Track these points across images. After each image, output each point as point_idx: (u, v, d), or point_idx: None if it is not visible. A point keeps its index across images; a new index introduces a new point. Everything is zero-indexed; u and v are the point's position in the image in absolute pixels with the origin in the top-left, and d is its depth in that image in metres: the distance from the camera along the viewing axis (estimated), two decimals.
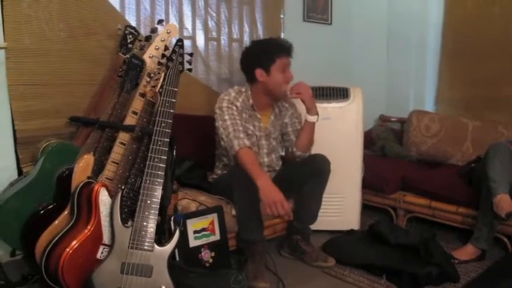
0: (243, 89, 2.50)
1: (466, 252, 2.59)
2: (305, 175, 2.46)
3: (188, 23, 3.04)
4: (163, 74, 2.13)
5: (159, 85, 2.14)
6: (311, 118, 2.48)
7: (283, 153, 2.70)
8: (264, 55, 2.41)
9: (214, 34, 3.18)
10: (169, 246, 1.84)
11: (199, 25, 3.10)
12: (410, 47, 3.87)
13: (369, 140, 3.55)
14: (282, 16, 3.49)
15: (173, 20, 2.92)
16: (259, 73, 2.41)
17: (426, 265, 2.28)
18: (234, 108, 2.39)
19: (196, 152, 2.68)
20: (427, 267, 2.26)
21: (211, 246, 2.19)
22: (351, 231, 2.83)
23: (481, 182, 2.55)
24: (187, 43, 2.99)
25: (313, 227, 2.65)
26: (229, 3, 3.22)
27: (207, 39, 3.16)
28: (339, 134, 2.81)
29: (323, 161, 2.47)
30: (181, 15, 2.99)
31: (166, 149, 1.92)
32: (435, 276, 2.26)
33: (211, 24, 3.15)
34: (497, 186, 2.40)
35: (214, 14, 3.16)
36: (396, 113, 3.77)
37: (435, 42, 3.74)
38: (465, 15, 3.54)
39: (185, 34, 3.01)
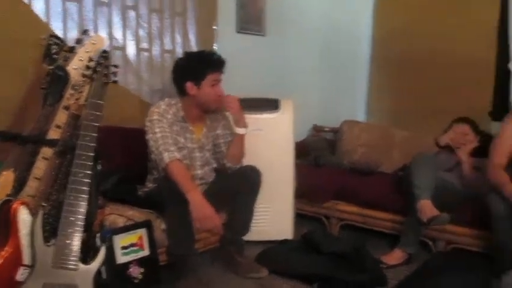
0: (174, 102, 2.47)
1: (394, 256, 2.68)
2: (236, 187, 2.47)
3: (118, 34, 2.97)
4: (87, 86, 2.07)
5: (83, 98, 2.08)
6: (239, 130, 2.49)
7: (215, 165, 2.68)
8: (195, 69, 2.40)
9: (145, 45, 3.13)
10: (95, 264, 1.78)
11: (129, 36, 3.04)
12: (343, 58, 3.98)
13: (303, 149, 3.60)
14: (215, 27, 3.49)
15: (102, 30, 2.85)
16: (189, 86, 2.39)
17: (356, 272, 2.34)
18: (164, 120, 2.36)
19: (128, 165, 2.61)
20: (357, 274, 2.32)
21: (140, 262, 2.12)
22: (285, 241, 2.84)
23: (407, 189, 2.65)
24: (117, 54, 2.93)
25: (246, 238, 2.63)
26: (161, 14, 3.18)
27: (139, 50, 3.10)
28: (270, 145, 2.84)
29: (254, 172, 2.48)
30: (111, 25, 2.93)
31: (91, 163, 1.86)
32: (365, 282, 2.32)
33: (142, 35, 3.10)
34: (421, 193, 2.51)
35: (146, 25, 3.11)
36: (329, 123, 3.85)
37: (366, 54, 3.86)
38: (393, 30, 3.70)
39: (115, 44, 2.94)
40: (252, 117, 2.76)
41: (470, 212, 2.63)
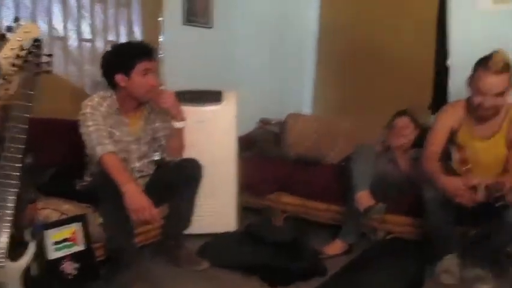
0: (108, 94, 2.40)
1: (335, 247, 2.73)
2: (177, 180, 2.45)
3: (58, 24, 2.89)
4: (17, 76, 2.00)
5: (13, 88, 2.00)
6: (177, 124, 2.46)
7: (157, 158, 2.65)
8: (123, 60, 2.33)
9: (88, 35, 3.06)
10: (23, 261, 1.73)
11: (71, 26, 2.96)
12: (290, 51, 4.01)
13: (249, 142, 3.61)
14: (160, 19, 3.44)
15: (41, 20, 2.76)
16: (119, 78, 2.32)
17: (296, 261, 2.37)
18: (98, 113, 2.30)
19: (68, 158, 2.55)
20: (297, 264, 2.36)
21: (74, 257, 2.06)
22: (229, 233, 2.85)
23: (348, 180, 2.70)
24: (57, 44, 2.86)
25: (190, 231, 2.62)
26: (105, 4, 3.11)
27: (80, 40, 3.03)
28: (213, 137, 2.84)
29: (195, 165, 2.47)
30: (50, 14, 2.84)
31: (21, 156, 1.80)
32: (304, 271, 2.36)
33: (84, 25, 3.03)
34: (359, 184, 2.57)
35: (88, 15, 3.04)
36: (277, 115, 3.87)
37: (312, 47, 3.90)
38: (339, 23, 3.75)
39: (54, 35, 2.86)
40: (194, 110, 2.76)
41: (408, 202, 2.69)
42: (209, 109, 2.86)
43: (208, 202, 2.82)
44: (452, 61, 3.41)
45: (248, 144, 3.56)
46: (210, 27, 3.81)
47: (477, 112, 2.40)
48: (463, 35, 3.36)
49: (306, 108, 3.92)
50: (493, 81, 2.29)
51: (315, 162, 3.30)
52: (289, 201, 3.09)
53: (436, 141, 2.51)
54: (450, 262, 2.47)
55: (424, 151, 2.54)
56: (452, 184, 2.30)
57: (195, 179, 2.47)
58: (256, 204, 3.21)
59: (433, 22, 3.41)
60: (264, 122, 3.92)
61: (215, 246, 2.64)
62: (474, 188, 2.20)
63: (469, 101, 2.46)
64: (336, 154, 3.36)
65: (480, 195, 2.18)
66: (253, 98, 4.00)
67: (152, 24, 3.39)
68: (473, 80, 2.37)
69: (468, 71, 3.16)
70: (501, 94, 2.31)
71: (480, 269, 2.44)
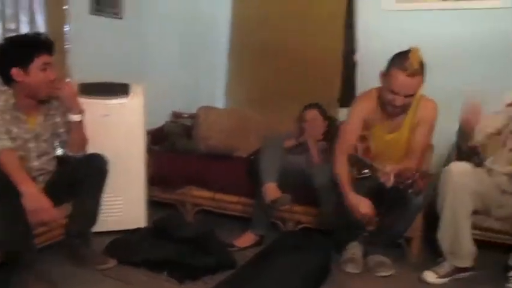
0: (5, 88, 2.25)
1: (246, 239, 2.76)
2: (81, 176, 2.34)
3: None
4: None
5: None
6: (73, 117, 2.35)
7: (59, 154, 2.53)
8: (20, 53, 2.17)
9: None
10: None
11: None
12: (202, 44, 3.97)
13: (161, 136, 3.55)
14: (65, 7, 3.27)
15: None
16: (16, 73, 2.16)
17: (203, 256, 2.36)
18: None
19: None
20: (204, 259, 2.35)
21: None
22: (137, 230, 2.79)
23: (257, 172, 2.72)
24: None
25: (97, 228, 2.54)
26: None
27: None
28: (120, 131, 2.75)
29: (100, 160, 2.38)
30: None
31: None
32: (212, 266, 2.36)
33: None
34: (266, 175, 2.60)
35: None
36: (189, 109, 3.82)
37: (224, 40, 3.89)
38: (251, 16, 3.75)
39: None
40: (99, 103, 2.68)
41: (316, 193, 2.75)
42: (115, 102, 2.76)
43: (115, 198, 2.76)
44: (360, 56, 3.53)
45: (159, 138, 3.50)
46: (120, 18, 3.68)
47: (386, 107, 2.42)
48: (370, 31, 3.49)
49: (219, 102, 3.90)
50: (407, 83, 2.26)
51: (226, 155, 3.30)
52: (200, 194, 3.07)
53: (350, 132, 2.48)
54: (353, 251, 2.58)
55: (338, 141, 2.51)
56: (356, 205, 2.32)
57: (99, 174, 2.38)
58: (168, 199, 3.17)
59: (342, 17, 3.50)
60: (176, 115, 3.87)
61: (122, 244, 2.57)
62: (388, 175, 2.20)
63: (380, 92, 2.45)
64: (248, 147, 3.38)
65: (391, 182, 2.19)
66: (165, 91, 3.94)
67: (56, 13, 3.21)
68: (387, 77, 2.34)
69: (374, 66, 3.30)
70: (413, 95, 2.34)
71: (381, 255, 2.57)
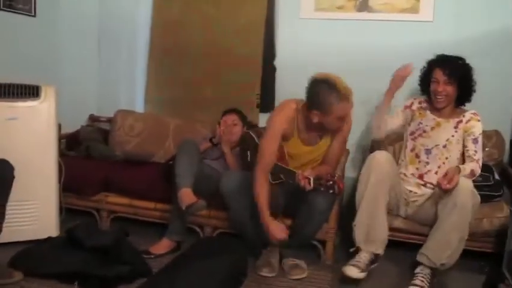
0: None
1: (162, 246, 2.72)
2: None
3: None
4: None
5: None
6: None
7: None
8: None
9: None
10: None
11: None
12: (121, 46, 3.87)
13: (76, 140, 3.43)
14: None
15: None
16: None
17: (116, 265, 2.29)
18: None
19: None
20: (116, 268, 2.28)
21: None
22: (49, 239, 2.66)
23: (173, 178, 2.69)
24: None
25: (4, 239, 2.42)
26: None
27: None
28: (28, 136, 2.61)
29: (3, 166, 2.25)
30: None
31: None
32: (126, 274, 2.30)
33: None
34: (181, 181, 2.58)
35: None
36: (108, 112, 3.71)
37: (144, 43, 3.81)
38: (170, 19, 3.69)
39: None
40: (6, 105, 2.54)
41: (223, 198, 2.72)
42: (24, 105, 2.61)
43: (24, 206, 2.63)
44: (279, 62, 3.59)
45: (74, 143, 3.38)
46: (33, 16, 3.51)
47: (315, 127, 2.46)
48: (288, 38, 3.56)
49: (139, 105, 3.82)
50: (349, 107, 2.36)
51: (143, 160, 3.24)
52: (116, 201, 2.98)
53: (269, 154, 2.44)
54: (269, 255, 2.61)
55: (258, 161, 2.46)
56: (272, 231, 2.39)
57: (3, 181, 2.26)
58: (83, 206, 3.05)
59: (261, 24, 3.54)
60: (93, 119, 3.75)
61: (30, 255, 2.43)
62: (307, 179, 2.32)
63: (302, 109, 2.47)
64: (165, 152, 3.34)
65: (311, 187, 2.31)
66: (83, 93, 3.82)
67: None
68: (327, 109, 2.33)
69: (293, 71, 3.40)
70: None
71: (296, 258, 2.62)
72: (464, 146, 2.67)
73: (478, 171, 2.57)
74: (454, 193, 2.36)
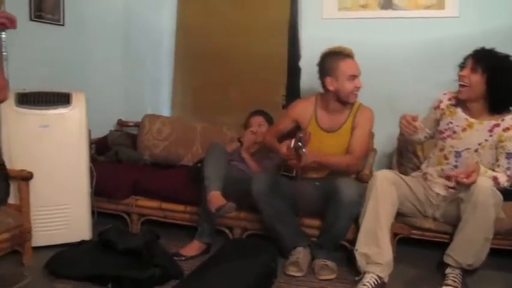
0: None
1: (192, 248, 2.75)
2: None
3: None
4: None
5: None
6: None
7: None
8: None
9: None
10: None
11: None
12: (147, 52, 3.94)
13: (105, 145, 3.49)
14: None
15: None
16: None
17: (148, 268, 2.32)
18: None
19: None
20: (149, 270, 2.31)
21: None
22: (82, 242, 2.71)
23: (202, 180, 2.72)
24: None
25: (39, 242, 2.47)
26: None
27: None
28: (61, 142, 2.67)
29: None
30: None
31: None
32: (158, 277, 2.32)
33: None
34: (210, 184, 2.60)
35: None
36: (135, 117, 3.77)
37: (169, 48, 3.87)
38: (194, 24, 3.75)
39: None
40: (38, 113, 2.61)
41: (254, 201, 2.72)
42: (55, 112, 2.68)
43: (58, 211, 2.70)
44: (303, 63, 3.59)
45: (103, 147, 3.44)
46: (62, 25, 3.59)
47: (348, 98, 2.67)
48: (312, 38, 3.55)
49: (165, 110, 3.87)
50: (355, 64, 2.66)
51: (171, 164, 3.27)
52: (145, 204, 3.02)
53: (278, 123, 2.93)
54: (298, 255, 2.61)
55: (269, 128, 2.99)
56: (282, 148, 2.53)
57: None
58: (113, 210, 3.10)
59: (285, 25, 3.55)
60: (122, 124, 3.81)
61: (64, 258, 2.47)
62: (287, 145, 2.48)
63: (321, 96, 2.78)
64: (193, 156, 3.38)
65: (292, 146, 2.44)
66: (110, 99, 3.88)
67: None
68: (335, 70, 2.63)
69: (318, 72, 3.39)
70: None
71: (327, 259, 2.61)
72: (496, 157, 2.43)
73: (505, 183, 2.35)
74: (474, 193, 2.23)
